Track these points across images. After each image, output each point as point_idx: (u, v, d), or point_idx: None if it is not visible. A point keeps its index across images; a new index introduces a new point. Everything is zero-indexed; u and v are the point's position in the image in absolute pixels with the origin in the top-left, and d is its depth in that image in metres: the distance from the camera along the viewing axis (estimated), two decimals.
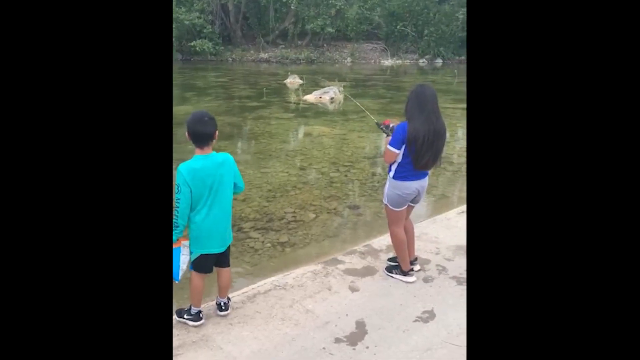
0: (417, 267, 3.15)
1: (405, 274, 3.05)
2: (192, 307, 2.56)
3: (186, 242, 2.44)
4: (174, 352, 2.34)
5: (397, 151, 2.78)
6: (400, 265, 3.07)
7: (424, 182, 2.94)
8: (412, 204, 3.04)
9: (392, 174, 2.89)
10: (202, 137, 2.36)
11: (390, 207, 2.96)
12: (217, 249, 2.49)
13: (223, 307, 2.64)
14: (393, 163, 2.87)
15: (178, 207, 2.29)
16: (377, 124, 3.16)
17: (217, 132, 2.42)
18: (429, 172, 2.96)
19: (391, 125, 3.03)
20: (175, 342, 2.42)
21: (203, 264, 2.49)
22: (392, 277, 3.08)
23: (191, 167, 2.33)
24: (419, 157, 2.76)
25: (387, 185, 2.96)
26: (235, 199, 5.04)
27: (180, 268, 2.42)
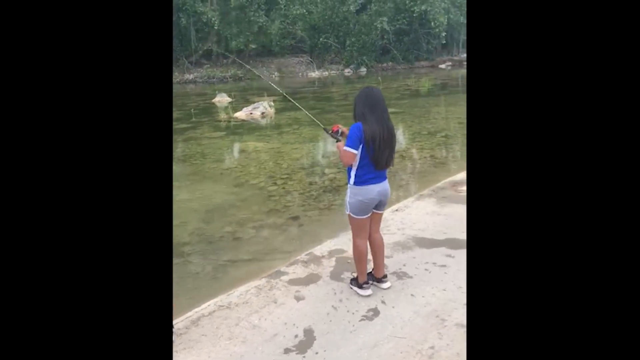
0: (387, 285, 3.04)
1: (360, 286, 2.99)
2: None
3: None
4: None
5: (355, 151, 2.71)
6: (358, 277, 3.02)
7: (385, 185, 2.88)
8: (377, 211, 2.96)
9: (352, 180, 2.83)
10: None
11: (353, 215, 2.87)
12: None
13: None
14: (351, 169, 2.80)
15: None
16: (325, 129, 3.11)
17: None
18: (386, 176, 2.93)
19: (340, 130, 3.02)
20: None
21: None
22: (351, 288, 3.04)
23: None
24: (378, 156, 2.74)
25: (347, 194, 2.88)
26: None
27: None
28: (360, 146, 2.72)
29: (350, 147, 2.72)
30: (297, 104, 4.20)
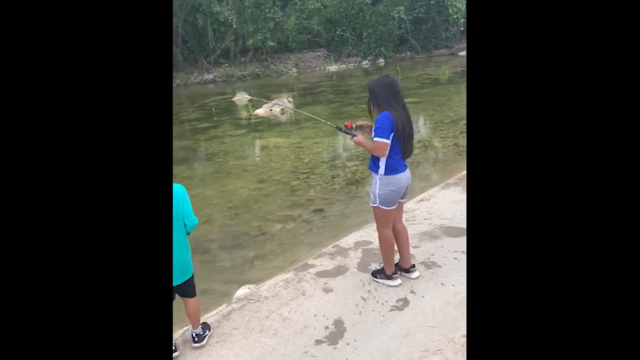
0: (415, 274, 2.99)
1: (389, 277, 2.95)
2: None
3: None
4: None
5: (387, 141, 2.64)
6: (385, 269, 2.97)
7: (409, 172, 2.84)
8: (401, 200, 2.91)
9: (382, 170, 2.74)
10: None
11: (383, 207, 2.79)
12: (176, 281, 2.39)
13: (196, 339, 2.53)
14: (380, 159, 2.73)
15: None
16: (339, 128, 3.03)
17: None
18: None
19: (354, 126, 2.96)
20: None
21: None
22: (377, 281, 3.00)
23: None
24: (406, 144, 2.71)
25: (376, 185, 2.79)
26: (198, 222, 4.96)
27: None
28: (392, 135, 2.67)
29: (382, 137, 2.64)
30: (307, 114, 4.16)
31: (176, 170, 7.24)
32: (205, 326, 2.63)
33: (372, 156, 2.79)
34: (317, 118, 3.78)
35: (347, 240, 3.76)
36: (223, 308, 2.92)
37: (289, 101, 11.83)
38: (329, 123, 3.56)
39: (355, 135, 2.87)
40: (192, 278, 2.50)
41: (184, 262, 2.43)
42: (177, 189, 2.33)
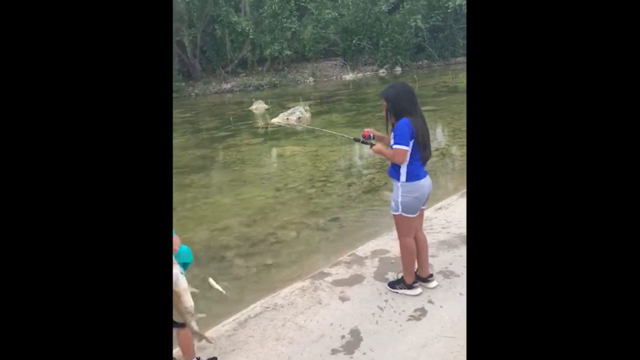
0: (433, 284, 2.96)
1: (409, 287, 2.90)
2: None
3: None
4: None
5: (407, 148, 2.62)
6: (405, 278, 2.92)
7: (430, 180, 2.81)
8: (422, 208, 2.87)
9: (403, 177, 2.71)
10: None
11: (405, 215, 2.75)
12: None
13: None
14: (400, 167, 2.71)
15: None
16: (356, 139, 3.00)
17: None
18: None
19: (371, 135, 2.93)
20: None
21: None
22: (396, 292, 2.94)
23: None
24: (426, 151, 2.70)
25: (398, 193, 2.75)
26: (214, 228, 5.00)
27: None
28: (412, 142, 2.64)
29: (402, 144, 2.62)
30: (322, 130, 4.17)
31: (194, 178, 7.33)
32: None
33: (393, 163, 2.77)
34: (334, 133, 3.77)
35: (364, 249, 3.73)
36: (239, 315, 2.92)
37: (306, 110, 11.89)
38: (346, 136, 3.55)
39: (374, 145, 2.86)
40: None
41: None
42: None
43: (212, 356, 2.47)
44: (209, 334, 2.73)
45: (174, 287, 1.53)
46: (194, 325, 1.68)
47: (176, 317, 1.71)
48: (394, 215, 2.85)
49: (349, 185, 6.13)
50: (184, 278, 1.57)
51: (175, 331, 2.26)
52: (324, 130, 4.23)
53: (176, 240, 1.56)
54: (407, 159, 2.67)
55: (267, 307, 2.96)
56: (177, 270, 1.53)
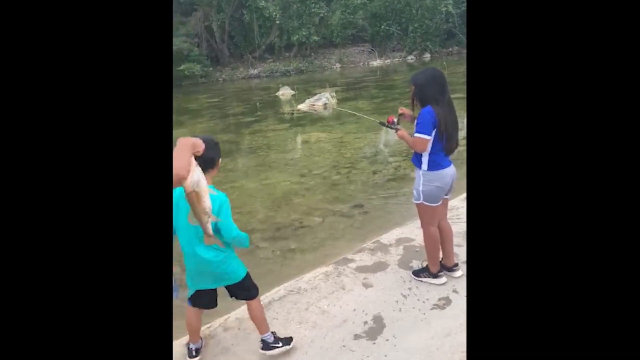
0: (459, 273, 2.91)
1: (434, 276, 2.87)
2: (189, 344, 2.41)
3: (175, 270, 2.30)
4: None
5: (428, 137, 2.59)
6: (430, 267, 2.89)
7: (454, 167, 2.76)
8: (445, 197, 2.83)
9: (425, 165, 2.68)
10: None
11: (427, 203, 2.73)
12: (211, 285, 2.28)
13: (262, 345, 2.37)
14: (422, 155, 2.68)
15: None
16: (382, 123, 2.98)
17: (217, 161, 2.19)
18: None
19: (396, 120, 2.91)
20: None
21: (198, 299, 2.32)
22: (420, 280, 2.92)
23: (175, 193, 2.10)
24: (450, 140, 2.64)
25: (419, 181, 2.72)
26: (239, 212, 5.06)
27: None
28: (434, 131, 2.60)
29: (423, 133, 2.59)
30: (348, 111, 4.15)
31: (222, 162, 7.43)
32: (279, 339, 2.39)
33: (415, 151, 2.75)
34: (359, 114, 3.75)
35: (388, 237, 3.71)
36: (263, 298, 2.95)
37: (332, 96, 11.83)
38: (372, 119, 3.52)
39: (399, 129, 2.83)
40: (241, 281, 2.29)
41: (219, 267, 2.23)
42: (216, 198, 2.14)
43: (280, 334, 2.42)
44: (233, 315, 2.79)
45: (196, 188, 1.55)
46: (208, 227, 1.71)
47: (191, 219, 1.69)
48: (416, 203, 2.82)
49: (374, 172, 6.09)
50: (205, 180, 1.58)
51: (246, 303, 2.35)
52: (350, 111, 4.18)
53: (198, 142, 1.52)
54: (429, 148, 2.64)
55: (291, 291, 2.99)
56: (199, 171, 1.55)
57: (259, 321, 2.37)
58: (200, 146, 1.50)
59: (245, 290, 2.33)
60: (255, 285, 2.37)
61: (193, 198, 1.58)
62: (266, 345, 2.36)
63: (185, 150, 1.44)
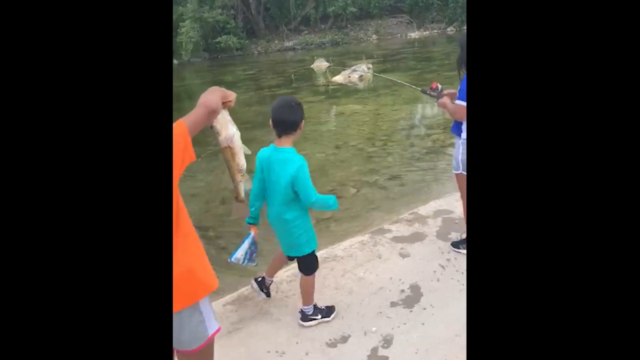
0: None
1: None
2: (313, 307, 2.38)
3: (254, 234, 2.34)
4: (235, 326, 2.40)
5: None
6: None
7: None
8: None
9: (465, 134, 2.59)
10: (278, 124, 2.12)
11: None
12: (286, 252, 2.33)
13: (301, 316, 2.36)
14: (463, 123, 2.59)
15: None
16: (423, 91, 2.87)
17: (299, 124, 2.14)
18: None
19: (440, 87, 2.78)
20: (235, 317, 2.48)
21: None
22: (458, 252, 2.87)
23: (259, 154, 2.19)
24: None
25: (459, 150, 2.65)
26: None
27: (237, 254, 2.33)
28: None
29: (464, 99, 2.51)
30: (387, 77, 4.02)
31: (256, 134, 7.44)
32: (319, 310, 2.37)
33: (455, 120, 2.64)
34: (400, 81, 3.65)
35: (426, 208, 3.63)
36: None
37: (368, 68, 11.58)
38: (413, 86, 3.41)
39: (442, 97, 2.71)
40: (304, 257, 2.27)
41: (291, 235, 2.23)
42: (295, 160, 2.12)
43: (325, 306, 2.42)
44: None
45: (230, 144, 1.55)
46: (241, 186, 1.72)
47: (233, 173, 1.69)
48: (455, 174, 2.74)
49: (411, 145, 5.96)
50: (239, 136, 1.58)
51: (300, 276, 2.35)
52: (391, 78, 4.08)
53: (228, 92, 1.50)
54: None
55: (327, 258, 3.00)
56: (234, 128, 1.54)
57: (306, 294, 2.36)
58: (231, 96, 1.46)
59: (305, 265, 2.31)
60: (316, 265, 2.35)
61: (227, 154, 1.57)
62: (304, 317, 2.35)
63: (215, 90, 1.42)
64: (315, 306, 2.38)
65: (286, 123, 2.13)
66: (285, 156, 2.14)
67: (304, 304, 2.37)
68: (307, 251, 2.27)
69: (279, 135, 2.16)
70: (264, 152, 2.24)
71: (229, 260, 2.39)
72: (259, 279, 2.55)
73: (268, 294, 2.58)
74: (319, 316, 2.36)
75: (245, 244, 2.33)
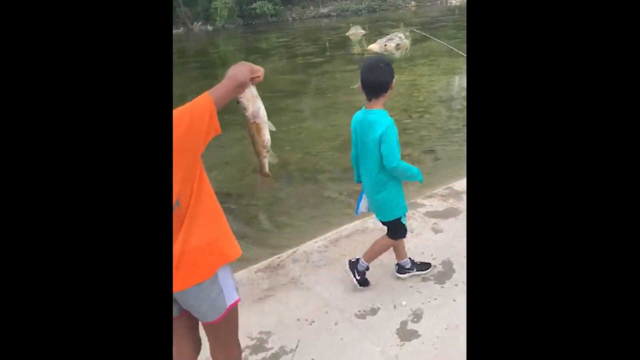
0: None
1: None
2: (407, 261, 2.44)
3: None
4: (266, 293, 2.45)
5: None
6: None
7: None
8: None
9: None
10: (367, 86, 2.09)
11: None
12: (377, 215, 2.33)
13: (352, 272, 2.40)
14: None
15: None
16: None
17: (389, 84, 2.09)
18: None
19: None
20: (266, 284, 2.53)
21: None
22: None
23: (353, 118, 2.19)
24: None
25: None
26: (307, 152, 5.08)
27: (361, 207, 2.39)
28: None
29: None
30: (437, 40, 3.86)
31: (289, 102, 7.41)
32: (415, 265, 2.44)
33: None
34: (449, 46, 3.52)
35: (462, 184, 3.54)
36: (331, 234, 2.99)
37: (406, 36, 11.20)
38: (461, 53, 3.28)
39: None
40: (393, 221, 2.27)
41: (377, 198, 2.23)
42: (383, 122, 2.08)
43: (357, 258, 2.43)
44: (301, 248, 2.86)
45: (256, 119, 1.55)
46: (265, 161, 1.72)
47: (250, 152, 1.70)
48: None
49: (449, 117, 5.78)
50: (264, 111, 1.58)
51: (385, 235, 2.36)
52: (440, 41, 3.93)
53: (257, 67, 1.49)
54: None
55: (358, 230, 2.99)
56: (259, 102, 1.55)
57: (372, 252, 2.37)
58: (259, 71, 1.44)
59: (393, 230, 2.33)
60: (402, 233, 2.34)
61: (253, 130, 1.56)
62: (401, 269, 2.44)
63: (244, 64, 1.40)
64: (411, 259, 2.45)
65: (375, 84, 2.09)
66: (375, 118, 2.11)
67: (399, 258, 2.44)
68: (397, 215, 2.26)
69: (369, 99, 2.12)
70: (356, 116, 2.23)
71: (355, 214, 2.48)
72: (354, 259, 2.45)
73: (360, 282, 2.38)
74: (414, 269, 2.44)
75: (363, 199, 2.38)
